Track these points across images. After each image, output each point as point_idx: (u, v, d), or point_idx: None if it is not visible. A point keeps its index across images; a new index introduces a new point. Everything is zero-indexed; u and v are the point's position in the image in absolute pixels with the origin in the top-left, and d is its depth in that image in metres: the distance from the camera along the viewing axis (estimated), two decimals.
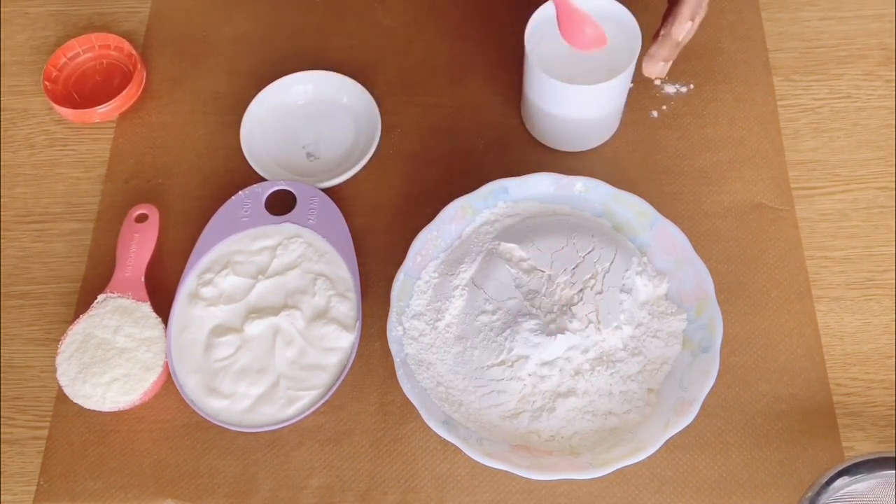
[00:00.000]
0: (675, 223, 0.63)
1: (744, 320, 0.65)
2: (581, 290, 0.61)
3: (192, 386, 0.62)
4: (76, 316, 0.66)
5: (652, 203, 0.64)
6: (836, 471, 0.54)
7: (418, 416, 0.58)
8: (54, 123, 0.77)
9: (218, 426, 0.61)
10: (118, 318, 0.64)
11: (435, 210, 0.64)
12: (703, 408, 0.57)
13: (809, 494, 0.54)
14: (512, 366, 0.59)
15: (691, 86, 0.75)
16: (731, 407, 0.63)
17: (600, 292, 0.60)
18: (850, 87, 0.75)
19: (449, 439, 0.57)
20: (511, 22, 0.80)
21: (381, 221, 0.71)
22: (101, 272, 0.69)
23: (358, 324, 0.64)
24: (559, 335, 0.59)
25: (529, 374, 0.59)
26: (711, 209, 0.70)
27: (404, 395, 0.58)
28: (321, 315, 0.64)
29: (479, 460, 0.56)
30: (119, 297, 0.65)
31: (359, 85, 0.75)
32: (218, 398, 0.62)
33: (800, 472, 0.61)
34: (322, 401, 0.61)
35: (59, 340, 0.63)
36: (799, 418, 0.62)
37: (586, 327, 0.59)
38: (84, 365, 0.62)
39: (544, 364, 0.59)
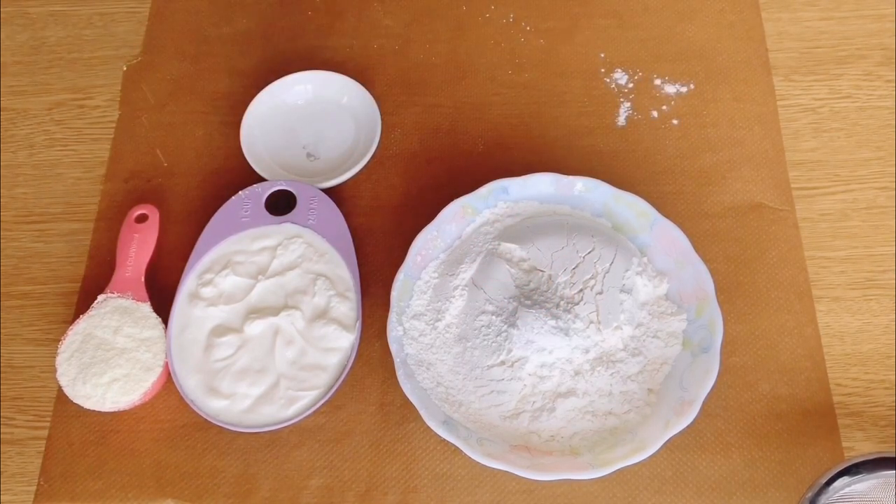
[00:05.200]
0: (675, 223, 0.63)
1: (744, 320, 0.65)
2: (581, 290, 0.61)
3: (192, 386, 0.62)
4: (76, 316, 0.66)
5: (652, 203, 0.64)
6: (836, 471, 0.54)
7: (418, 416, 0.58)
8: (54, 123, 0.77)
9: (218, 426, 0.61)
10: (118, 319, 0.64)
11: (435, 210, 0.64)
12: (703, 408, 0.57)
13: (809, 494, 0.54)
14: (512, 366, 0.59)
15: (691, 86, 0.75)
16: (731, 407, 0.63)
17: (600, 292, 0.60)
18: (850, 87, 0.75)
19: (449, 439, 0.57)
20: (512, 22, 0.80)
21: (381, 221, 0.71)
22: (101, 272, 0.69)
23: (358, 324, 0.64)
24: (560, 336, 0.59)
25: (529, 375, 0.59)
26: (711, 209, 0.70)
27: (404, 395, 0.58)
28: (321, 315, 0.64)
29: (479, 460, 0.56)
30: (119, 297, 0.65)
31: (359, 85, 0.75)
32: (218, 398, 0.62)
33: (800, 472, 0.60)
34: (322, 401, 0.61)
35: (59, 340, 0.63)
36: (799, 418, 0.62)
37: (587, 327, 0.59)
38: (84, 365, 0.62)
39: (544, 364, 0.59)
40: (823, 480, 0.53)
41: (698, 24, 0.79)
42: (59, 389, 0.63)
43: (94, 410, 0.62)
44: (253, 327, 0.64)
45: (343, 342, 0.63)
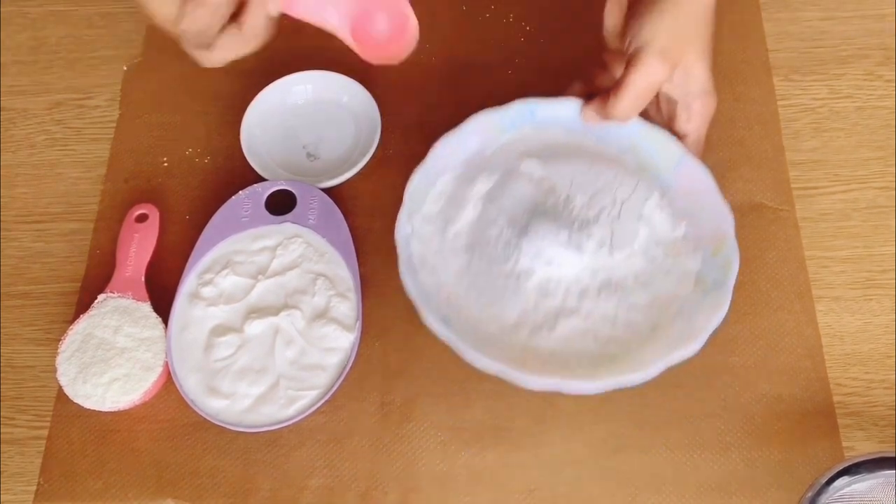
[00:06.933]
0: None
1: (744, 320, 0.65)
2: (598, 213, 0.59)
3: (192, 386, 0.62)
4: (76, 316, 0.66)
5: None
6: (836, 471, 0.54)
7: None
8: (54, 123, 0.77)
9: (218, 426, 0.61)
10: (118, 318, 0.64)
11: None
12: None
13: (810, 494, 0.54)
14: (517, 278, 0.58)
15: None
16: (731, 407, 0.63)
17: (617, 218, 0.59)
18: (850, 87, 0.75)
19: (446, 337, 0.55)
20: (512, 22, 0.80)
21: (381, 221, 0.70)
22: (101, 272, 0.69)
23: (358, 324, 0.64)
24: (571, 251, 0.58)
25: (534, 288, 0.58)
26: None
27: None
28: (321, 315, 0.64)
29: (473, 361, 0.54)
30: (119, 297, 0.65)
31: (359, 85, 0.75)
32: (218, 398, 0.62)
33: (800, 472, 0.60)
34: (322, 401, 0.61)
35: (59, 340, 0.63)
36: (799, 418, 0.62)
37: (599, 248, 0.58)
38: (84, 365, 0.62)
39: (550, 279, 0.58)
40: (823, 480, 0.53)
41: None
42: (59, 389, 0.63)
43: (94, 410, 0.62)
44: (253, 327, 0.64)
45: (343, 342, 0.63)
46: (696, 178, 0.62)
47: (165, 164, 0.74)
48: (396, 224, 0.59)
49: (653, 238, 0.60)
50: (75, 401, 0.62)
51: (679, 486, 0.60)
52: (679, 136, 0.63)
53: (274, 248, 0.67)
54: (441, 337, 0.55)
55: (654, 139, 0.63)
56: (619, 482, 0.61)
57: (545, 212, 0.59)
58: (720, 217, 0.60)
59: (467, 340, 0.55)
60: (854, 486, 0.53)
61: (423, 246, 0.61)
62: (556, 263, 0.58)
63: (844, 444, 0.61)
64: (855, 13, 0.79)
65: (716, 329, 0.56)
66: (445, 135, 0.62)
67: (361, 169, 0.72)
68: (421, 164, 0.61)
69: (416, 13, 0.81)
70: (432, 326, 0.55)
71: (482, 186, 0.62)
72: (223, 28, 0.54)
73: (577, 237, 0.58)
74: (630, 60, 0.58)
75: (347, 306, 0.64)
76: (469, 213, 0.61)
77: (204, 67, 0.57)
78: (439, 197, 0.63)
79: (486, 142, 0.64)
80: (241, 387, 0.62)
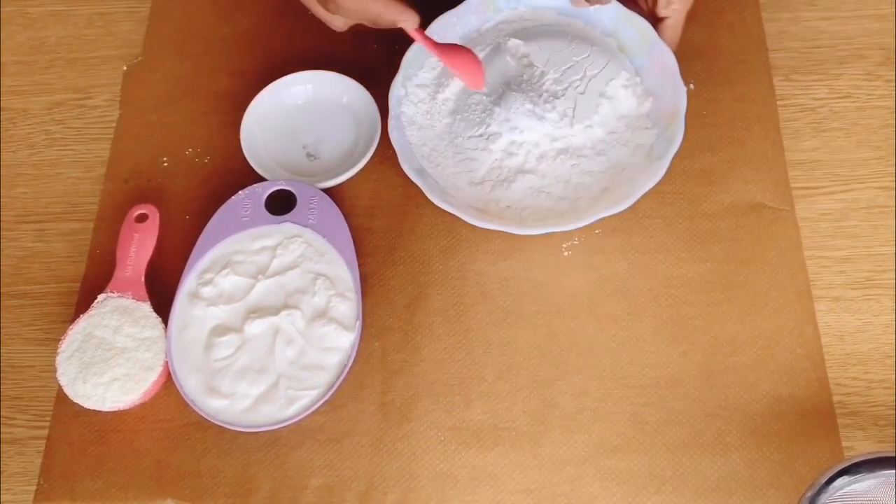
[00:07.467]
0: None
1: (744, 320, 0.65)
2: (566, 87, 0.67)
3: (192, 386, 0.62)
4: (76, 316, 0.66)
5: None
6: (836, 470, 0.54)
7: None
8: (54, 123, 0.77)
9: (218, 426, 0.61)
10: (118, 318, 0.64)
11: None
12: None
13: (809, 494, 0.54)
14: (487, 139, 0.67)
15: (691, 86, 0.75)
16: (731, 407, 0.63)
17: (582, 92, 0.67)
18: (850, 87, 0.75)
19: (417, 182, 0.65)
20: None
21: (381, 221, 0.71)
22: (101, 272, 0.69)
23: (358, 324, 0.64)
24: (533, 119, 0.66)
25: (500, 150, 0.67)
26: (711, 209, 0.70)
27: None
28: (321, 315, 0.64)
29: (436, 202, 0.64)
30: (119, 296, 0.65)
31: (359, 85, 0.75)
32: (218, 398, 0.62)
33: (800, 471, 0.60)
34: (322, 401, 0.61)
35: (59, 340, 0.63)
36: (799, 418, 0.62)
37: (560, 119, 0.66)
38: (84, 365, 0.62)
39: (514, 142, 0.66)
40: (823, 480, 0.53)
41: (698, 24, 0.78)
42: (59, 389, 0.63)
43: (94, 410, 0.62)
44: (253, 327, 0.64)
45: (343, 342, 0.63)
46: (664, 61, 0.69)
47: (165, 164, 0.74)
48: (391, 87, 0.69)
49: (616, 113, 0.68)
50: (75, 401, 0.62)
51: (679, 486, 0.60)
52: (659, 21, 0.69)
53: (274, 248, 0.67)
54: (414, 181, 0.65)
55: (633, 24, 0.71)
56: (619, 482, 0.61)
57: (520, 84, 0.68)
58: (677, 96, 0.67)
59: (434, 189, 0.65)
60: (854, 486, 0.53)
61: (414, 107, 0.70)
62: (520, 129, 0.66)
63: (844, 443, 0.61)
64: (854, 13, 0.79)
65: (646, 192, 0.63)
66: (445, 14, 0.71)
67: (361, 169, 0.72)
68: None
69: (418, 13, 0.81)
70: (407, 173, 0.65)
71: None
72: None
73: (540, 108, 0.66)
74: None
75: (347, 306, 0.64)
76: (458, 83, 0.70)
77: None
78: (435, 65, 0.72)
79: (484, 20, 0.73)
80: (241, 387, 0.62)
